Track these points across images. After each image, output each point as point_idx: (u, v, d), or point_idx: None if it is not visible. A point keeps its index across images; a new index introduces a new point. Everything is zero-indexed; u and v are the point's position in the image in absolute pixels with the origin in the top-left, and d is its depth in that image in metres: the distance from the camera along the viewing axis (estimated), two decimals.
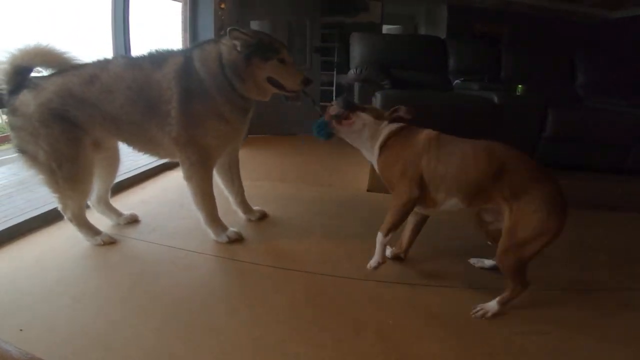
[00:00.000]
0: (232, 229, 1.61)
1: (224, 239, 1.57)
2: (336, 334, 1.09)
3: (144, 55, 1.50)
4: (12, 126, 1.40)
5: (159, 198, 2.02)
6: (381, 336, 1.09)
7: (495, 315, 1.20)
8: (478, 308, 1.23)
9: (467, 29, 5.23)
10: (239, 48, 1.43)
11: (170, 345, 1.02)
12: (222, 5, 3.31)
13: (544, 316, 1.23)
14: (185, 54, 1.49)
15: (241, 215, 1.82)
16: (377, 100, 2.46)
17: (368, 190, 2.35)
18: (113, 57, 1.55)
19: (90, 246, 1.49)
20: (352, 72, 2.91)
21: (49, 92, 1.38)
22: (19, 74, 1.38)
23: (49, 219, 1.68)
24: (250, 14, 3.93)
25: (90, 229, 1.52)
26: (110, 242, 1.52)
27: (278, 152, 3.21)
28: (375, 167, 1.40)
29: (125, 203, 1.78)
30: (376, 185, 2.35)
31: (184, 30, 2.94)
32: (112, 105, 1.42)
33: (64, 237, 1.56)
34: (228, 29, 1.43)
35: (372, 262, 1.31)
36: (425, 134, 1.31)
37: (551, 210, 1.11)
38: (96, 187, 1.63)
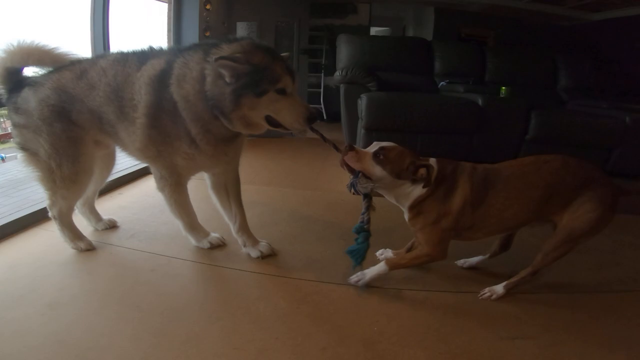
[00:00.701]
0: (214, 235, 1.54)
1: (205, 244, 1.51)
2: (320, 342, 1.07)
3: (136, 51, 1.38)
4: (14, 124, 1.38)
5: (138, 203, 1.97)
6: (366, 344, 1.08)
7: (505, 298, 1.29)
8: (486, 291, 1.31)
9: (454, 32, 5.30)
10: (227, 79, 1.17)
11: (147, 353, 0.99)
12: (208, 7, 3.28)
13: (530, 320, 1.23)
14: (169, 58, 1.28)
15: (243, 250, 1.51)
16: (362, 102, 2.47)
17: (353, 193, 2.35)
18: (110, 52, 1.49)
19: (66, 253, 1.45)
20: (337, 74, 2.91)
21: (46, 89, 1.34)
22: (12, 74, 1.35)
23: (25, 224, 1.63)
24: (236, 15, 3.91)
25: (72, 232, 1.48)
26: (89, 249, 1.47)
27: (264, 155, 3.17)
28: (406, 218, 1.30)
29: (103, 208, 1.72)
30: None
31: (169, 31, 2.90)
32: (94, 102, 1.34)
33: (40, 243, 1.51)
34: (215, 57, 1.15)
35: (361, 283, 1.30)
36: (459, 196, 1.19)
37: (604, 209, 1.16)
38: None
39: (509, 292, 1.30)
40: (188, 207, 1.48)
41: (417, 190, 1.20)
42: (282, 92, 1.20)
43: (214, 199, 1.54)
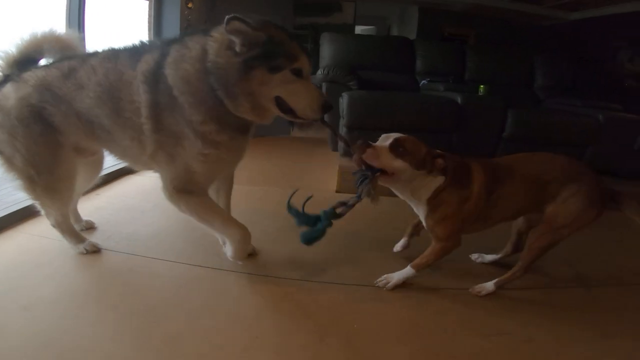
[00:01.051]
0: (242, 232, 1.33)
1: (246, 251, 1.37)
2: (301, 340, 1.09)
3: (127, 47, 1.25)
4: None
5: (116, 204, 1.94)
6: (347, 341, 1.09)
7: (489, 294, 1.33)
8: (476, 287, 1.35)
9: (437, 31, 5.37)
10: (237, 48, 1.03)
11: (128, 354, 0.99)
12: (190, 5, 3.24)
13: (507, 316, 1.26)
14: (162, 49, 1.16)
15: (224, 249, 1.43)
16: (343, 100, 2.49)
17: (337, 191, 2.37)
18: (105, 48, 1.30)
19: (43, 255, 1.42)
20: (320, 72, 2.93)
21: (29, 86, 1.24)
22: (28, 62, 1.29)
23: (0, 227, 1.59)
24: (219, 13, 3.88)
25: (74, 236, 1.45)
26: (94, 250, 1.45)
27: (246, 154, 3.14)
28: (421, 216, 1.30)
29: (80, 210, 1.69)
30: (344, 186, 2.38)
31: (149, 30, 2.86)
32: (83, 104, 1.22)
33: (16, 245, 1.49)
34: (227, 17, 0.99)
35: (389, 285, 1.33)
36: (477, 182, 1.21)
37: (587, 204, 1.20)
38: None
39: (499, 288, 1.33)
40: (215, 213, 1.29)
41: (437, 181, 1.19)
42: (298, 73, 1.09)
43: None
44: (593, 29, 4.52)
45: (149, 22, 2.79)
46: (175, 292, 1.28)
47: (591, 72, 3.51)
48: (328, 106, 1.12)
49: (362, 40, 3.69)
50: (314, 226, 1.19)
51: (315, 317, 1.19)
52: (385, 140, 1.16)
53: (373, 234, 1.77)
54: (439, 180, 1.18)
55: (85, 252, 1.43)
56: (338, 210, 1.20)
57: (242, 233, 1.30)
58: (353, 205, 1.19)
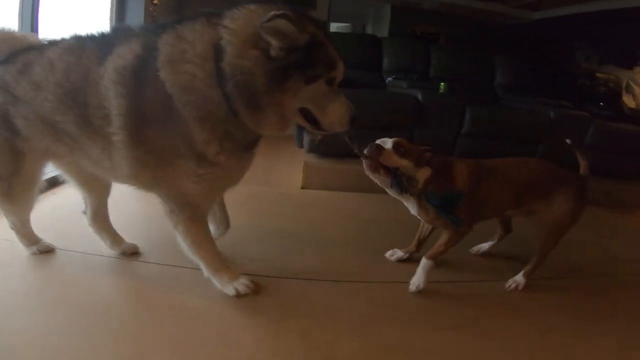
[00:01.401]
0: (242, 280, 1.24)
1: (230, 291, 1.21)
2: (255, 334, 1.10)
3: (96, 35, 1.03)
4: None
5: (73, 204, 1.91)
6: (301, 335, 1.11)
7: (525, 287, 1.43)
8: (510, 282, 1.46)
9: (409, 29, 5.48)
10: (274, 52, 0.85)
11: (81, 351, 1.00)
12: (155, 1, 3.17)
13: (461, 310, 1.30)
14: (147, 39, 0.93)
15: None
16: None
17: (302, 188, 2.42)
18: (69, 36, 1.07)
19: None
20: None
21: None
22: None
23: None
24: (188, 10, 3.84)
25: (28, 238, 1.40)
26: (47, 250, 1.42)
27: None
28: (413, 210, 1.36)
29: (36, 210, 1.66)
30: (309, 182, 2.43)
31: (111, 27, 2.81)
32: (42, 107, 1.01)
33: None
34: (274, 13, 0.82)
35: (414, 288, 1.34)
36: (460, 183, 1.31)
37: (575, 202, 1.40)
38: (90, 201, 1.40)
39: (529, 279, 1.45)
40: (209, 244, 1.20)
41: (425, 172, 1.27)
42: (331, 82, 0.95)
43: None
44: (553, 28, 4.71)
45: (110, 19, 2.73)
46: (127, 289, 1.29)
47: (549, 70, 3.68)
48: (355, 119, 1.01)
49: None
50: None
51: (270, 312, 1.21)
52: (384, 143, 1.25)
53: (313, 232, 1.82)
54: (426, 172, 1.28)
55: (38, 252, 1.42)
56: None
57: (222, 281, 1.23)
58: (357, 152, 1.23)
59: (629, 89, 3.51)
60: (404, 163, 1.24)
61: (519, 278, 1.47)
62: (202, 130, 0.93)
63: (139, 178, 1.04)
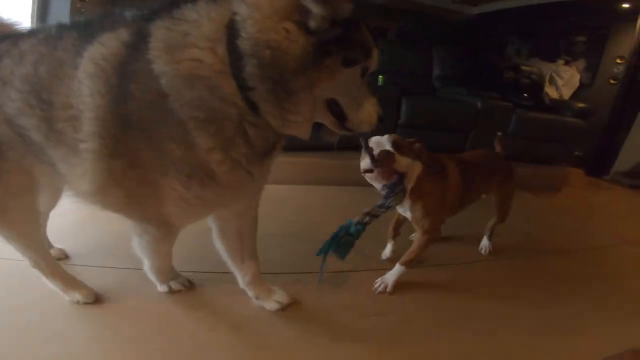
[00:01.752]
0: (176, 280, 1.26)
1: (164, 288, 1.24)
2: (190, 328, 1.13)
3: (77, 23, 0.86)
4: None
5: None
6: (235, 329, 1.15)
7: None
8: (481, 246, 1.80)
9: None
10: (313, 23, 0.70)
11: (13, 351, 0.99)
12: None
13: (384, 297, 1.36)
14: (135, 27, 0.77)
15: (255, 302, 1.24)
16: None
17: None
18: (52, 24, 0.89)
19: None
20: None
21: None
22: None
23: None
24: (123, 7, 3.67)
25: (65, 281, 1.20)
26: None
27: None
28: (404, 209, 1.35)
29: None
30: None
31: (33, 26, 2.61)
32: (8, 107, 0.83)
33: None
34: None
35: (388, 289, 1.38)
36: (453, 178, 1.37)
37: (512, 182, 1.71)
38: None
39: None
40: (167, 255, 1.14)
41: (417, 168, 1.25)
42: (363, 73, 0.84)
43: (220, 248, 1.18)
44: (489, 23, 4.99)
45: (32, 18, 2.52)
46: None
47: (481, 64, 3.91)
48: (382, 118, 0.92)
49: None
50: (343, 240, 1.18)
51: (206, 308, 1.23)
52: (380, 146, 1.17)
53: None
54: (418, 167, 1.26)
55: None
56: (364, 221, 1.19)
57: (161, 280, 1.22)
58: (381, 214, 1.20)
59: (552, 81, 3.81)
60: (407, 162, 1.20)
61: (485, 241, 1.78)
62: (208, 136, 0.76)
63: (106, 196, 0.85)
